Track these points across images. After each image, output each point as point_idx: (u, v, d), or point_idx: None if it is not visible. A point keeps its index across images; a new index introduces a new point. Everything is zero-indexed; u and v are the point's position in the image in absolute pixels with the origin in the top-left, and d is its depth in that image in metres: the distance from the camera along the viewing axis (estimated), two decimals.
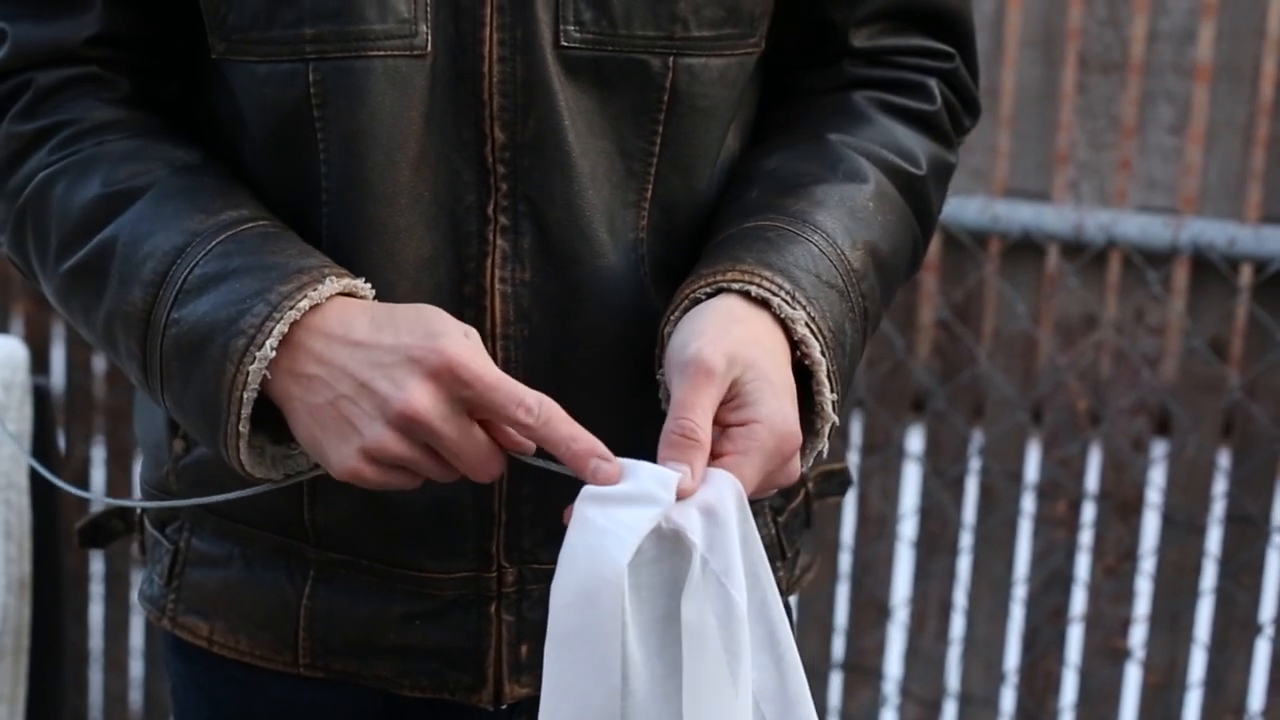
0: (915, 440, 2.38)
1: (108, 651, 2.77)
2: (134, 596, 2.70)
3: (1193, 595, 2.21)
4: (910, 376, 2.31)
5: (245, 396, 0.95)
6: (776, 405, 0.95)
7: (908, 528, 2.35)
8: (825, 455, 1.03)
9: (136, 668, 2.80)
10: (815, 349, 0.99)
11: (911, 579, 2.35)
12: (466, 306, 1.03)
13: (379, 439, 0.93)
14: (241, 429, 0.96)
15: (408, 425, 0.92)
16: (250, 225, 1.01)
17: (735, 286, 0.99)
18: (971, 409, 2.30)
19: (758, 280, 0.99)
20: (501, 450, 0.96)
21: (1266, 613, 2.18)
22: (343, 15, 0.99)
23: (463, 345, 0.93)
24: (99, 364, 2.71)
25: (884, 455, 2.32)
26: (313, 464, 1.02)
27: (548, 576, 1.05)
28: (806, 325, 0.99)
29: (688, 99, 1.05)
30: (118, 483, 2.72)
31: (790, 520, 1.23)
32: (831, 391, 1.00)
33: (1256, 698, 2.20)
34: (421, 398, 0.92)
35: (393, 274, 1.03)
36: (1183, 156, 2.19)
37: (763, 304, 0.99)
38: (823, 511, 2.34)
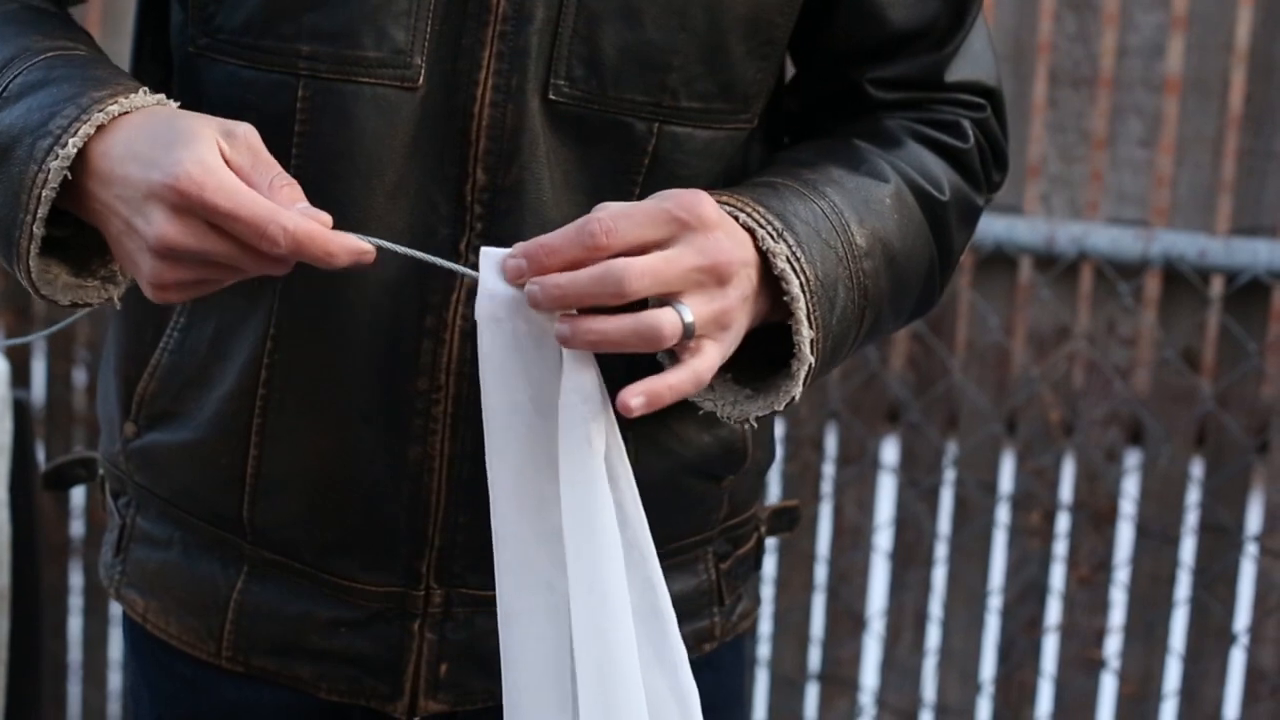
0: (890, 452, 2.39)
1: (86, 664, 2.77)
2: (113, 609, 2.70)
3: (1167, 605, 2.22)
4: (884, 388, 2.33)
5: (44, 195, 0.94)
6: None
7: (883, 539, 2.36)
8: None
9: (115, 680, 2.80)
10: (794, 284, 0.97)
11: (887, 590, 2.36)
12: (425, 338, 1.04)
13: (155, 269, 0.93)
14: (36, 230, 0.95)
15: (171, 253, 0.92)
16: (85, 51, 1.02)
17: (726, 209, 0.98)
18: (946, 420, 2.31)
19: (748, 209, 0.98)
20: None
21: (1241, 622, 2.19)
22: (340, 38, 1.00)
23: (198, 172, 0.91)
24: (79, 377, 2.72)
25: (859, 467, 2.33)
26: (104, 298, 1.02)
27: (475, 601, 1.09)
28: (788, 261, 0.97)
29: (668, 165, 1.05)
30: (97, 494, 2.72)
31: (735, 566, 1.22)
32: (811, 330, 0.98)
33: (1231, 707, 2.21)
34: (169, 230, 0.91)
35: (353, 295, 1.04)
36: (1153, 169, 2.20)
37: (748, 232, 0.97)
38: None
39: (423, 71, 1.01)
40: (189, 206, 0.91)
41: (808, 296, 0.98)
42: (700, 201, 0.93)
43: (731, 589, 1.22)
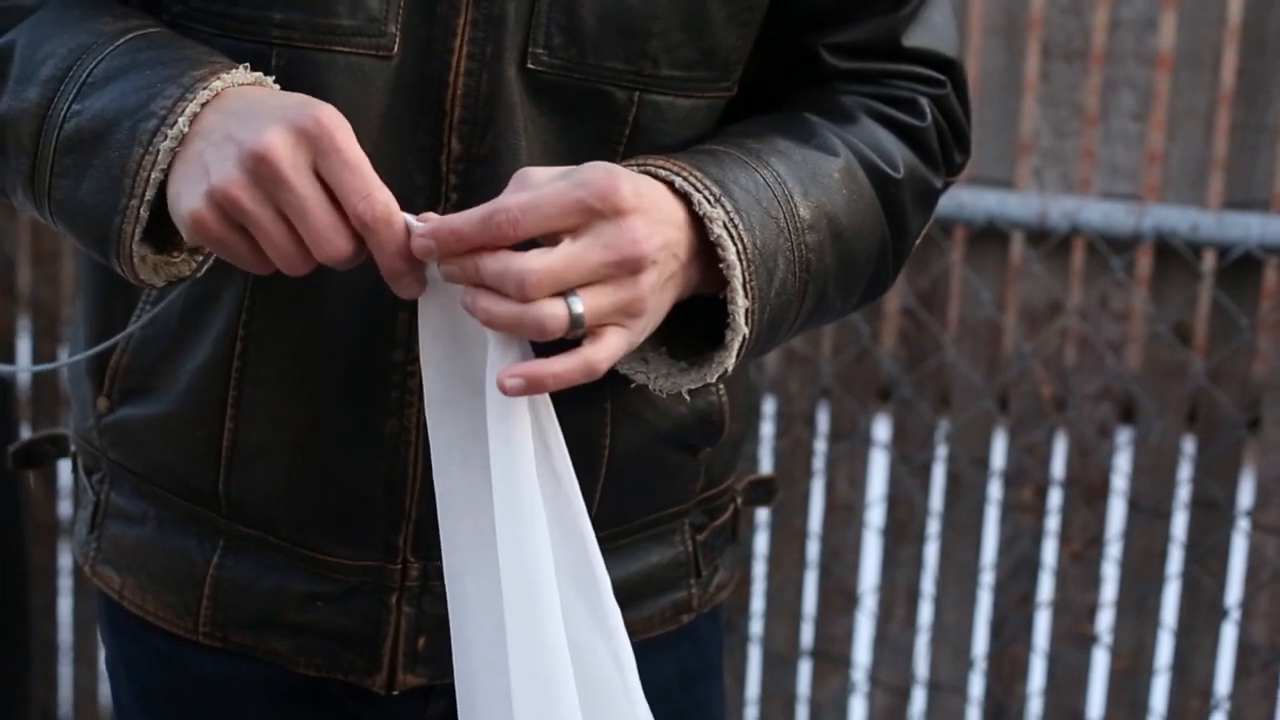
0: (882, 428, 2.39)
1: (76, 645, 2.76)
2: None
3: (1159, 580, 2.22)
4: (876, 365, 2.32)
5: (153, 177, 0.93)
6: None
7: (875, 515, 2.36)
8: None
9: None
10: (730, 251, 0.95)
11: (879, 567, 2.36)
12: (401, 309, 1.03)
13: (226, 177, 0.90)
14: (143, 214, 0.94)
15: (256, 166, 0.90)
16: (159, 30, 1.00)
17: (660, 174, 0.96)
18: (937, 397, 2.30)
19: (685, 173, 0.96)
20: (350, 231, 0.92)
21: (1233, 597, 2.20)
22: (314, 6, 0.99)
23: (337, 115, 0.91)
24: (64, 356, 2.70)
25: (851, 443, 2.33)
26: (194, 267, 1.00)
27: None
28: (725, 227, 0.95)
29: (649, 134, 1.04)
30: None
31: (711, 538, 1.22)
32: (745, 299, 0.96)
33: (1223, 682, 2.22)
34: (276, 141, 0.89)
35: (328, 266, 1.03)
36: (1145, 144, 2.20)
37: (683, 198, 0.96)
38: (791, 501, 2.35)
39: (397, 40, 1.00)
40: (314, 136, 0.89)
41: (744, 264, 0.96)
42: (616, 187, 0.90)
43: (709, 560, 1.22)
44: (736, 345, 0.97)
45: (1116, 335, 2.21)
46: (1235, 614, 2.18)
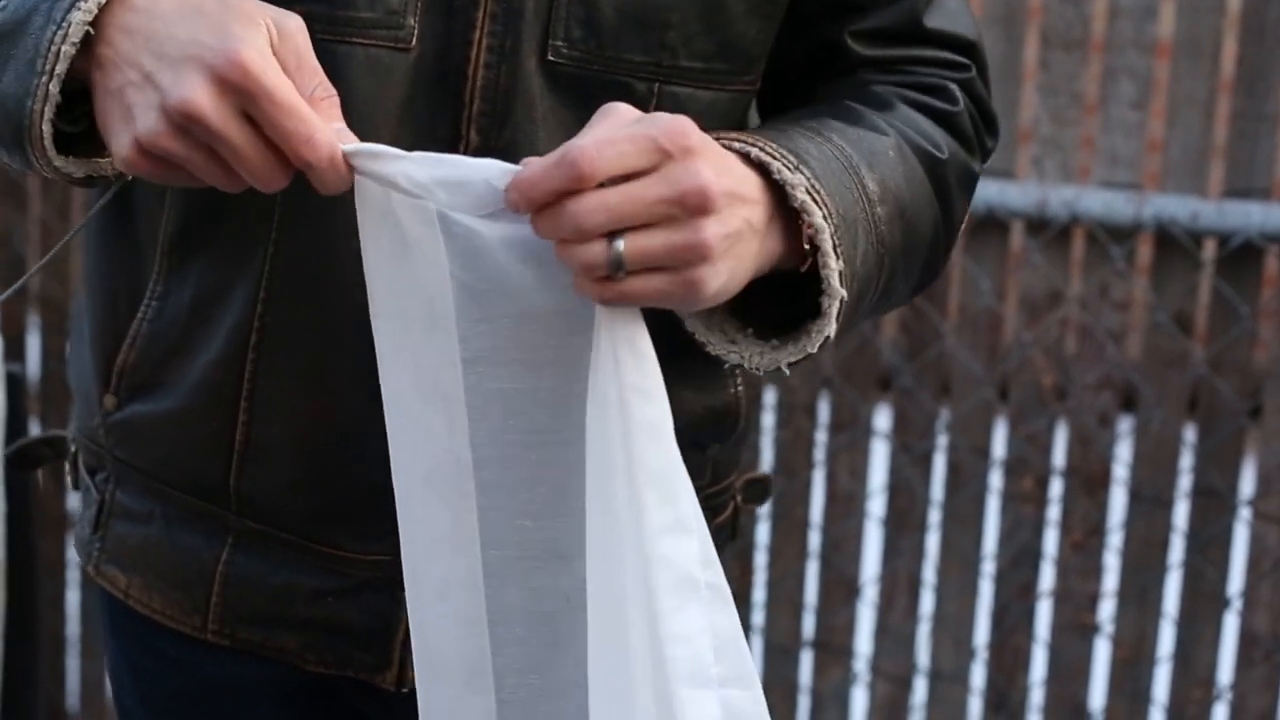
0: (882, 418, 2.39)
1: (84, 637, 2.77)
2: None
3: (1160, 570, 2.21)
4: (877, 354, 2.32)
5: (63, 50, 0.91)
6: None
7: (876, 505, 2.36)
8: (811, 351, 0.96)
9: None
10: (817, 215, 0.93)
11: (880, 556, 2.36)
12: None
13: (151, 130, 0.89)
14: (52, 88, 0.91)
15: (184, 122, 0.88)
16: None
17: (735, 145, 0.93)
18: (938, 386, 2.31)
19: (759, 144, 0.94)
20: (288, 162, 0.90)
21: (1234, 586, 2.19)
22: None
23: (258, 56, 0.87)
24: (70, 352, 2.71)
25: (851, 433, 2.33)
26: (117, 170, 0.98)
27: None
28: (808, 192, 0.93)
29: None
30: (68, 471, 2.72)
31: (712, 535, 1.21)
32: (838, 261, 0.93)
33: (1225, 671, 2.21)
34: (200, 97, 0.87)
35: (345, 255, 1.02)
36: (1145, 132, 2.19)
37: (759, 169, 0.93)
38: (792, 491, 2.35)
39: (415, 32, 1.00)
40: (239, 86, 0.87)
41: (831, 227, 0.93)
42: (687, 130, 0.88)
43: None
44: (835, 310, 0.94)
45: (1117, 324, 2.20)
46: (1237, 603, 2.18)
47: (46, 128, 0.93)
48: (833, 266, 0.94)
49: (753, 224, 0.92)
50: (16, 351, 2.68)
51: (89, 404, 1.17)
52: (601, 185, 0.87)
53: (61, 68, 0.91)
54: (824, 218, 0.93)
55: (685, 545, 0.93)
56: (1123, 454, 2.22)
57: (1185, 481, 2.19)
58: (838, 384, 2.33)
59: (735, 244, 0.90)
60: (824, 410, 2.37)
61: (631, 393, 0.91)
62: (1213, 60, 2.14)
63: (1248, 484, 2.20)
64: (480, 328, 0.94)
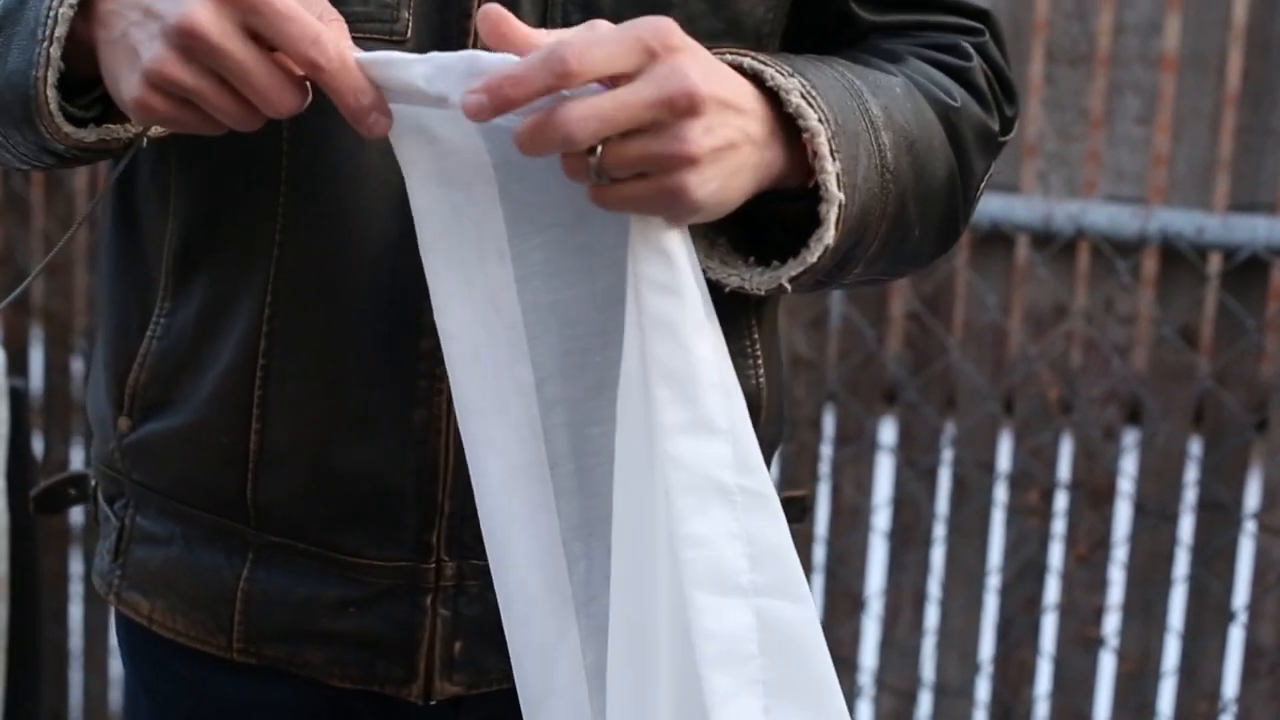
0: (887, 432, 2.39)
1: (87, 651, 2.77)
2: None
3: (1166, 583, 2.21)
4: (882, 368, 2.32)
5: (61, 13, 0.91)
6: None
7: (881, 519, 2.36)
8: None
9: (116, 667, 2.80)
10: (811, 118, 0.91)
11: (885, 570, 2.36)
12: (425, 297, 1.02)
13: (157, 58, 0.87)
14: (53, 53, 0.91)
15: (186, 42, 0.87)
16: None
17: (727, 58, 0.92)
18: (943, 400, 2.31)
19: (750, 56, 0.92)
20: (300, 82, 0.88)
21: (1240, 600, 2.19)
22: None
23: None
24: (77, 366, 2.72)
25: (856, 447, 2.33)
26: (133, 132, 0.97)
27: (487, 573, 1.04)
28: (802, 96, 0.91)
29: None
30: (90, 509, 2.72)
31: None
32: (835, 163, 0.91)
33: (1230, 685, 2.21)
34: (199, 12, 0.86)
35: (353, 256, 1.02)
36: (1151, 147, 2.20)
37: (754, 78, 0.91)
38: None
39: (410, 24, 1.00)
40: None
41: (828, 130, 0.91)
42: (671, 29, 0.86)
43: None
44: (834, 216, 0.92)
45: (1122, 338, 2.21)
46: (1242, 616, 2.18)
47: (52, 94, 0.92)
48: (829, 170, 0.91)
49: (750, 134, 0.90)
50: (20, 366, 2.68)
51: (105, 431, 1.16)
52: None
53: (61, 30, 0.91)
54: (819, 120, 0.91)
55: (707, 447, 0.89)
56: (1128, 467, 2.22)
57: (1190, 495, 2.19)
58: (843, 398, 2.33)
59: (728, 153, 0.88)
60: (829, 424, 2.37)
61: (645, 285, 0.88)
62: (1218, 75, 2.14)
63: (1253, 497, 2.20)
64: (533, 240, 0.93)
